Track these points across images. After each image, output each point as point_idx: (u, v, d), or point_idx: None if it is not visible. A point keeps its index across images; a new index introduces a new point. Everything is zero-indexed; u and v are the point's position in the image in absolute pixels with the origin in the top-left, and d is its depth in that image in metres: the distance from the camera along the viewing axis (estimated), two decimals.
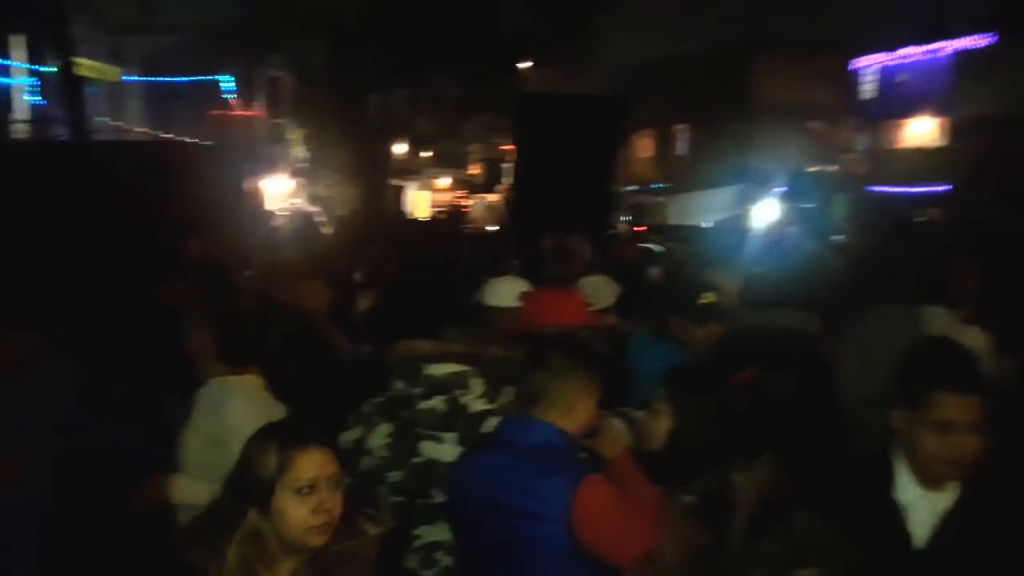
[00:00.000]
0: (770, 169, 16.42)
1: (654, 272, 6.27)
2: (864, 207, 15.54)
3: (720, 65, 29.14)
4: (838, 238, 9.15)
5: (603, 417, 2.32)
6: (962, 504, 2.03)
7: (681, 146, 33.04)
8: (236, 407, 2.65)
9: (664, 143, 33.70)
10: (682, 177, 27.57)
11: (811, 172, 21.91)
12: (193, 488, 2.61)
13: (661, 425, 2.33)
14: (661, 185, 28.46)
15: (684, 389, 2.46)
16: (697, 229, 12.28)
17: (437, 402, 2.63)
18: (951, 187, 10.83)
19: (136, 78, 19.14)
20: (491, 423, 2.51)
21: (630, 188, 26.85)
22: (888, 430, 2.09)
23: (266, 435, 1.80)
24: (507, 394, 2.60)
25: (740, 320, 3.78)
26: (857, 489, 2.08)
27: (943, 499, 2.04)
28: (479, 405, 2.61)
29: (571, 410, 2.21)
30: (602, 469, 2.20)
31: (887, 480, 2.07)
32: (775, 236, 8.88)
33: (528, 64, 22.06)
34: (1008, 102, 17.71)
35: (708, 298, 3.32)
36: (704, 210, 13.62)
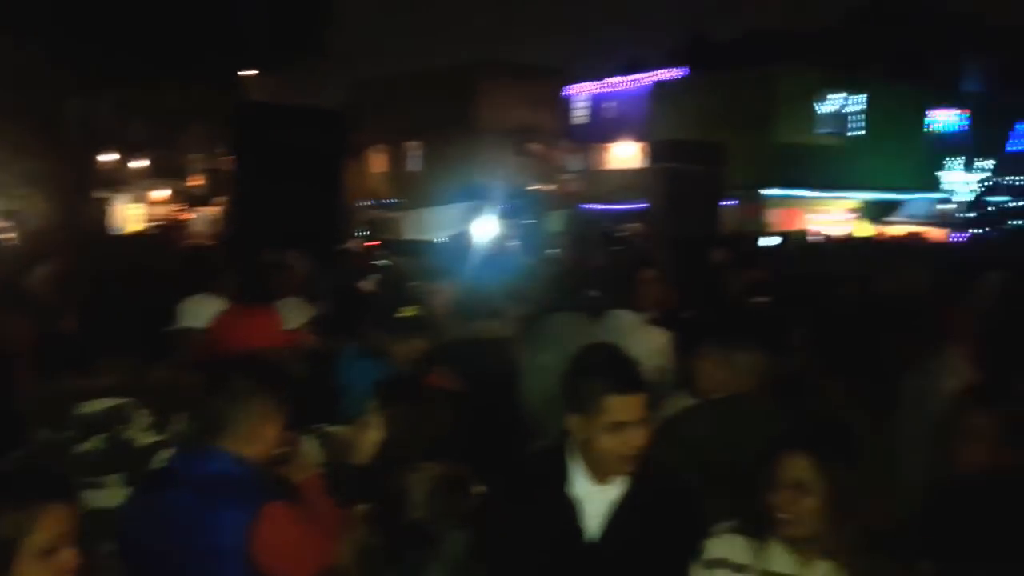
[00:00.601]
0: (493, 187, 17.23)
1: (367, 286, 6.25)
2: (576, 223, 16.78)
3: (447, 86, 30.15)
4: (552, 252, 9.75)
5: (292, 440, 2.24)
6: (629, 495, 2.20)
7: (413, 163, 33.59)
8: None
9: (397, 159, 34.09)
10: (415, 193, 28.01)
11: (530, 191, 23.29)
12: None
13: (369, 437, 2.32)
14: (395, 200, 28.78)
15: (392, 400, 2.49)
16: (427, 244, 12.50)
17: (94, 443, 2.34)
18: (647, 204, 12.08)
19: None
20: (163, 456, 2.31)
21: (366, 203, 26.79)
22: (563, 430, 2.22)
23: None
24: (178, 422, 2.40)
25: (449, 331, 3.88)
26: (534, 486, 2.19)
27: (612, 491, 2.20)
28: (146, 438, 2.36)
29: (254, 436, 2.09)
30: (288, 494, 2.10)
31: (562, 477, 2.20)
32: (496, 251, 9.27)
33: (252, 73, 21.14)
34: (696, 128, 20.13)
35: (408, 311, 3.34)
36: (434, 226, 13.91)
